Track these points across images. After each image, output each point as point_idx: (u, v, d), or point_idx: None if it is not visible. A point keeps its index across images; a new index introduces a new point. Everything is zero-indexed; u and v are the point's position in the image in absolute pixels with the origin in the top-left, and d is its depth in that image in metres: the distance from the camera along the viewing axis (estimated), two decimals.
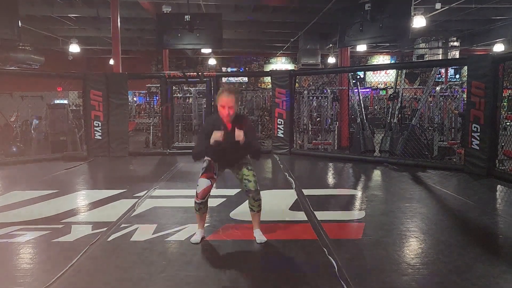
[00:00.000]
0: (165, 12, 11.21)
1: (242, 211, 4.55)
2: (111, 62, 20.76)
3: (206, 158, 3.74)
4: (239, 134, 3.44)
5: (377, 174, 7.37)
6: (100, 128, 9.27)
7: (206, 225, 3.97)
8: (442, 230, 4.14)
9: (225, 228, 4.16)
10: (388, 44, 20.66)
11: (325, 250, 3.55)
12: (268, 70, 19.51)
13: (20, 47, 18.70)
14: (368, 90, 21.20)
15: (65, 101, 14.69)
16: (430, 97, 11.64)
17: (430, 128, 10.53)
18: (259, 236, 3.78)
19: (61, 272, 3.09)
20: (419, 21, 12.40)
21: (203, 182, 3.68)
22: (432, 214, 4.74)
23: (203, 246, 3.67)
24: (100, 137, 9.29)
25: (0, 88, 18.03)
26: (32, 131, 12.19)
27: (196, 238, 3.77)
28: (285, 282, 3.00)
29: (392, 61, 23.80)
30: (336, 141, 11.57)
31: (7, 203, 5.20)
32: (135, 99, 21.78)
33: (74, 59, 20.19)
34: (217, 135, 3.45)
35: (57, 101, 14.96)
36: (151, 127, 12.76)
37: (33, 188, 6.14)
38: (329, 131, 11.64)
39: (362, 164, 8.20)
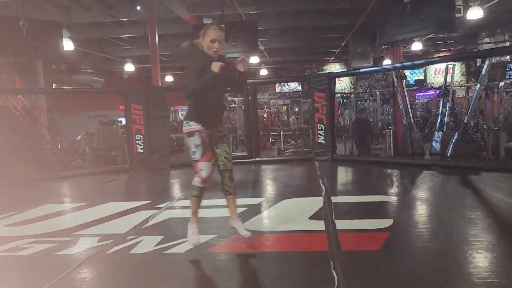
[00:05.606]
0: (205, 24, 11.28)
1: (253, 222, 4.27)
2: (166, 78, 21.45)
3: (195, 128, 3.40)
4: (239, 64, 3.37)
5: (420, 179, 6.68)
6: (141, 141, 9.37)
7: (210, 237, 3.72)
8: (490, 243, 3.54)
9: (230, 240, 3.87)
10: (448, 42, 19.40)
11: (332, 263, 3.14)
12: None
13: (82, 70, 19.92)
14: (432, 93, 19.86)
15: (119, 118, 15.24)
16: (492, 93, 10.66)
17: (494, 127, 9.59)
18: (242, 231, 3.51)
19: (44, 286, 2.97)
20: (475, 13, 11.40)
21: (208, 166, 3.46)
22: (481, 219, 4.10)
23: (192, 259, 3.43)
24: (142, 150, 9.39)
25: (68, 110, 19.24)
26: (86, 148, 12.80)
27: (197, 238, 3.50)
28: None
29: None
30: (392, 145, 10.86)
31: (35, 216, 5.28)
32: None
33: (131, 77, 21.08)
34: (219, 64, 3.21)
35: (120, 119, 15.60)
36: None
37: (65, 201, 6.27)
38: (379, 135, 11.01)
39: (409, 168, 7.51)
